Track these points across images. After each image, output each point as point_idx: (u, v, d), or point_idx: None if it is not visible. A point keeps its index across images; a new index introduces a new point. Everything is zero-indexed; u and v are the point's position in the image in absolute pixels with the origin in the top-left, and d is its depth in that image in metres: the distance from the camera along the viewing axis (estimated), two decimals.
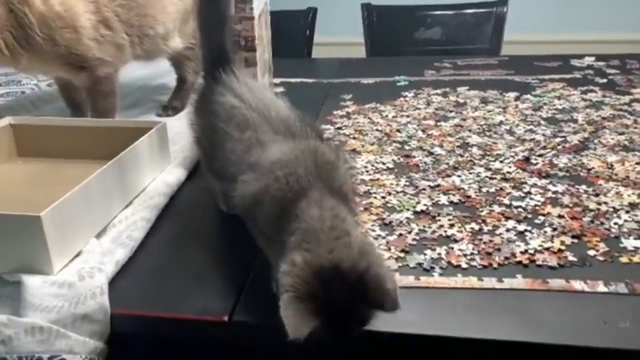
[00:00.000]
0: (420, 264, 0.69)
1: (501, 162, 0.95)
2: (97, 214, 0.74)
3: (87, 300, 0.61)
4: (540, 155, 0.97)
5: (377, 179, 0.91)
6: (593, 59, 1.56)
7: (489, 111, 1.19)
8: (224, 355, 0.65)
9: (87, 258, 0.67)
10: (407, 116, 1.18)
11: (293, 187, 0.57)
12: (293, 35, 1.95)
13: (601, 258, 0.69)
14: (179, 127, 1.08)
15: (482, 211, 0.80)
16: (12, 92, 1.40)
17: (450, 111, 1.20)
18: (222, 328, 0.61)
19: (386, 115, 1.19)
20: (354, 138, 1.08)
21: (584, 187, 0.85)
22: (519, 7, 2.19)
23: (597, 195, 0.83)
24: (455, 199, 0.83)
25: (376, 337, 0.59)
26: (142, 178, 0.86)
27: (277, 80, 1.43)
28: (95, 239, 0.72)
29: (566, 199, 0.82)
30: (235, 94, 0.72)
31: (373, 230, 0.76)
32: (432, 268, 0.68)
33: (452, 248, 0.71)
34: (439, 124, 1.13)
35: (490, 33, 2.00)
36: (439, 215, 0.79)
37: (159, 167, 0.92)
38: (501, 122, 1.12)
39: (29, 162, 0.96)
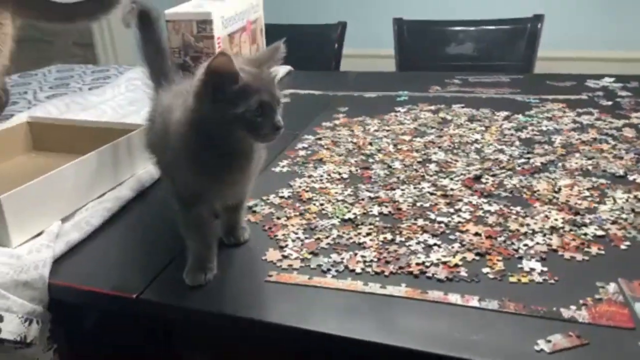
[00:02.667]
0: (319, 266, 0.75)
1: (450, 179, 0.98)
2: (65, 201, 0.88)
3: (29, 270, 0.74)
4: (493, 175, 0.98)
5: (325, 188, 0.97)
6: (613, 79, 1.50)
7: (470, 129, 1.21)
8: (136, 330, 0.75)
9: (45, 237, 0.81)
10: (388, 130, 1.23)
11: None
12: (324, 48, 2.04)
13: (492, 276, 0.71)
14: None
15: (404, 223, 0.84)
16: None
17: (432, 127, 1.23)
18: (130, 304, 0.71)
19: (368, 129, 1.24)
20: (327, 148, 1.15)
21: (518, 208, 0.87)
22: (554, 23, 2.12)
23: (525, 217, 0.84)
24: (386, 210, 0.88)
25: (244, 327, 0.67)
26: (118, 173, 0.99)
27: (287, 92, 1.53)
28: (59, 221, 0.86)
29: (492, 219, 0.84)
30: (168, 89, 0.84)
31: (295, 234, 0.83)
32: (329, 270, 0.74)
33: (356, 254, 0.77)
34: (414, 139, 1.17)
35: (522, 49, 1.97)
36: (362, 224, 0.85)
37: (140, 165, 1.04)
38: (475, 141, 1.14)
39: (41, 155, 1.13)
